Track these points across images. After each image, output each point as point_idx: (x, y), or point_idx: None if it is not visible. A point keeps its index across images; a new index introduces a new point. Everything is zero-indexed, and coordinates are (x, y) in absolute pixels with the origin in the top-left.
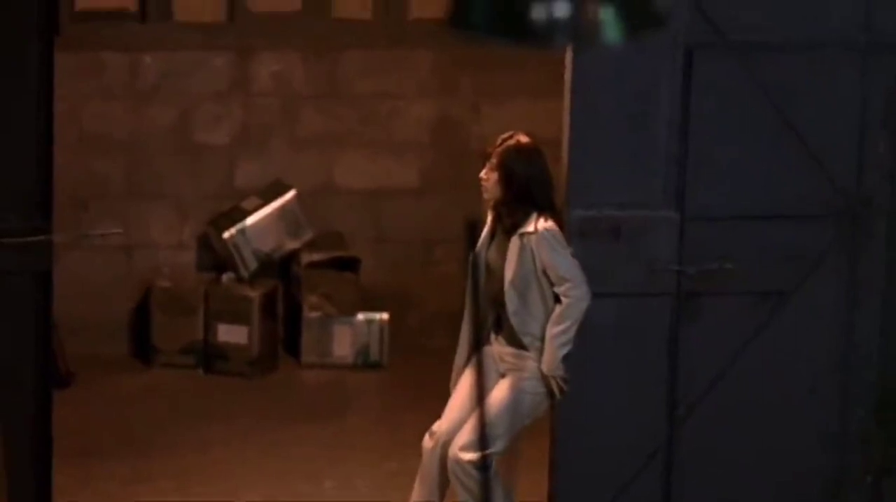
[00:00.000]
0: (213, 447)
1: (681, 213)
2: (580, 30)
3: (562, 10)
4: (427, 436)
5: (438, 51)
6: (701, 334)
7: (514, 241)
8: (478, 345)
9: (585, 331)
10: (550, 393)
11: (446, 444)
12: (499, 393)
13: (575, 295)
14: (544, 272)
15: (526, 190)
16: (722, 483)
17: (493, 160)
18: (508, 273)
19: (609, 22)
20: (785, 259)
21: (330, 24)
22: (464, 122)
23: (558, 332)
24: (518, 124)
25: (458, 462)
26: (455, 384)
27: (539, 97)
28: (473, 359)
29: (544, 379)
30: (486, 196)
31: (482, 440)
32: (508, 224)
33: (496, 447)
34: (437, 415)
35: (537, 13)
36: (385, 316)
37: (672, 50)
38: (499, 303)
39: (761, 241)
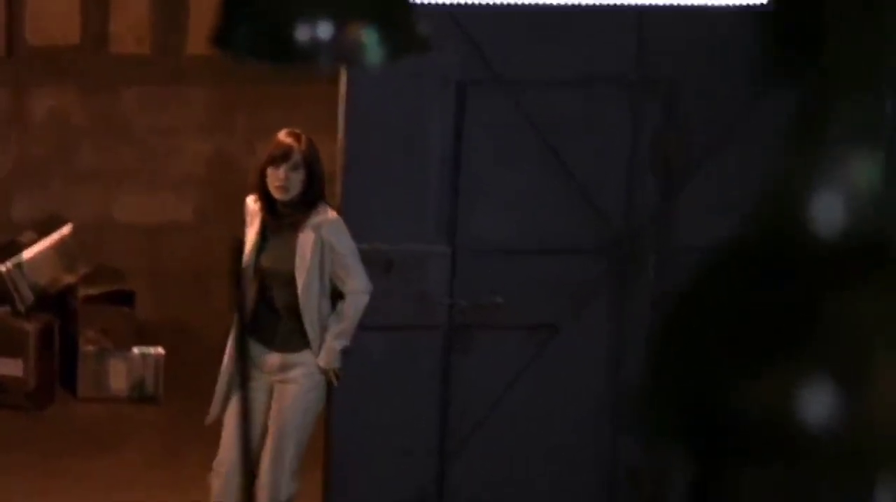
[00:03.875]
0: None
1: (452, 247)
2: (343, 51)
3: (325, 32)
4: (213, 475)
5: (215, 87)
6: (473, 368)
7: (308, 235)
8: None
9: (357, 364)
10: (328, 384)
11: (237, 475)
12: (288, 414)
13: (355, 288)
14: (332, 263)
15: (322, 184)
16: None
17: (297, 158)
18: (303, 267)
19: (371, 44)
20: (555, 293)
21: (108, 60)
22: (239, 159)
23: (339, 327)
24: None
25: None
26: (220, 412)
27: (312, 134)
28: (242, 392)
29: (322, 373)
30: (284, 197)
31: (291, 475)
32: (297, 220)
33: (298, 464)
34: (216, 448)
35: (300, 34)
36: (160, 350)
37: (444, 86)
38: (281, 307)
39: (532, 275)
